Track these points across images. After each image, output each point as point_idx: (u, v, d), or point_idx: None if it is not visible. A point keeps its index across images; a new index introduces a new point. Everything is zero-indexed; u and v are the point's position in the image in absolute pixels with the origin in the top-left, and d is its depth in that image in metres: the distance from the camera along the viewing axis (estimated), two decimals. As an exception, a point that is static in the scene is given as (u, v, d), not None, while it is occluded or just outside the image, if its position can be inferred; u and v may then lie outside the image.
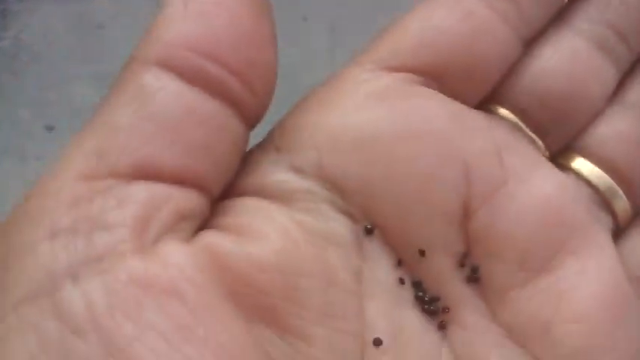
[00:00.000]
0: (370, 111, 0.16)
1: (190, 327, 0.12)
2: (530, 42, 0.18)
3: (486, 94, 0.18)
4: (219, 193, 0.15)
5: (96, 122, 0.14)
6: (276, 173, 0.15)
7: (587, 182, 0.18)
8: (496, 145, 0.16)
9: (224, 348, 0.12)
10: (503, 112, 0.18)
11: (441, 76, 0.17)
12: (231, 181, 0.15)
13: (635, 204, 0.19)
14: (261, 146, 0.16)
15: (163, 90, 0.13)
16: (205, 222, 0.15)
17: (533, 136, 0.18)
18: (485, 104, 0.18)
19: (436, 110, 0.16)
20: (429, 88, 0.16)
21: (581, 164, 0.18)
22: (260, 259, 0.14)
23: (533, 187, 0.17)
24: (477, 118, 0.17)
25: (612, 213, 0.18)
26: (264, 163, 0.16)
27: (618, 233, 0.19)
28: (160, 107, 0.13)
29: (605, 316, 0.16)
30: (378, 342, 0.15)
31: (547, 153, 0.18)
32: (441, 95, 0.17)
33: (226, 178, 0.15)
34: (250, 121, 0.15)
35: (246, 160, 0.16)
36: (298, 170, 0.15)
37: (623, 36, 0.18)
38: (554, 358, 0.16)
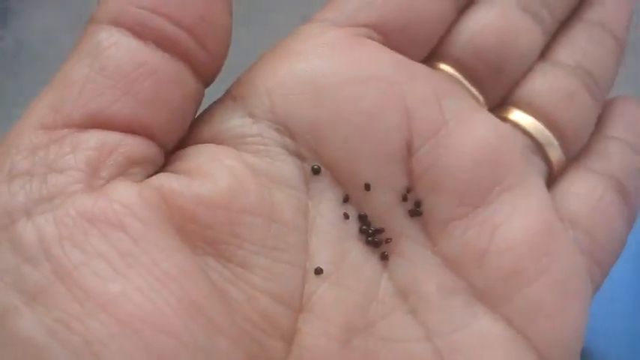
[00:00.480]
0: (318, 58, 0.17)
1: (134, 255, 0.13)
2: (464, 7, 0.20)
3: (427, 50, 0.19)
4: (174, 142, 0.16)
5: (56, 77, 0.15)
6: (230, 120, 0.16)
7: (524, 131, 0.19)
8: (436, 91, 0.18)
9: (166, 273, 0.13)
10: (444, 67, 0.19)
11: (384, 32, 0.18)
12: (190, 131, 0.16)
13: (568, 153, 0.20)
14: (219, 99, 0.17)
15: (115, 45, 0.14)
16: (159, 169, 0.16)
17: (472, 88, 0.19)
18: (427, 61, 0.19)
19: (380, 57, 0.17)
20: (374, 40, 0.18)
21: (518, 116, 0.20)
22: (206, 197, 0.15)
23: (472, 129, 0.18)
24: (418, 67, 0.18)
25: (547, 160, 0.20)
26: (221, 111, 0.17)
27: (553, 179, 0.20)
28: (112, 61, 0.14)
29: (534, 245, 0.17)
30: (318, 271, 0.16)
31: (486, 107, 0.20)
32: (384, 47, 0.18)
33: (179, 128, 0.16)
34: (203, 76, 0.16)
35: (206, 111, 0.17)
36: (251, 115, 0.16)
37: (545, 2, 0.20)
38: (487, 283, 0.17)
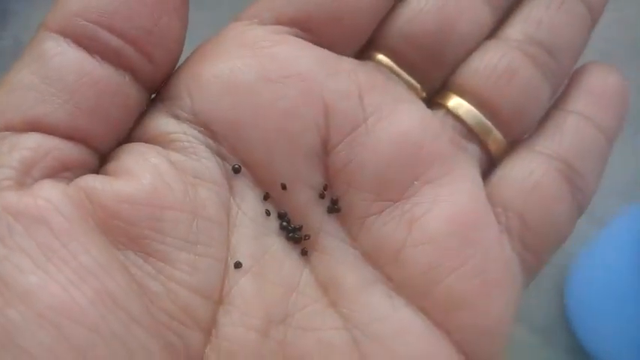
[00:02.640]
0: (237, 59, 0.17)
1: (54, 249, 0.14)
2: None
3: (361, 42, 0.19)
4: (111, 148, 0.17)
5: (3, 80, 0.15)
6: (156, 120, 0.17)
7: (457, 118, 0.19)
8: (359, 86, 0.18)
9: (84, 267, 0.14)
10: (379, 57, 0.19)
11: (310, 28, 0.18)
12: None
13: (510, 135, 0.19)
14: (151, 100, 0.18)
15: (61, 55, 0.15)
16: (92, 172, 0.16)
17: (408, 77, 0.19)
18: (364, 52, 0.19)
19: (299, 55, 0.17)
20: (297, 37, 0.18)
21: (454, 102, 0.19)
22: (128, 195, 0.15)
23: (392, 122, 0.18)
24: (341, 62, 0.18)
25: (484, 146, 0.19)
26: (150, 112, 0.17)
27: (494, 164, 0.19)
28: (56, 70, 0.15)
29: (453, 238, 0.17)
30: (238, 265, 0.17)
31: (424, 94, 0.19)
32: (305, 42, 0.18)
33: (118, 135, 0.16)
34: (148, 86, 0.17)
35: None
36: (175, 116, 0.17)
37: None
38: (404, 278, 0.17)
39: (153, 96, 0.18)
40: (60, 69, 0.15)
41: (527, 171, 0.19)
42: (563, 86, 0.20)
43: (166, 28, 0.16)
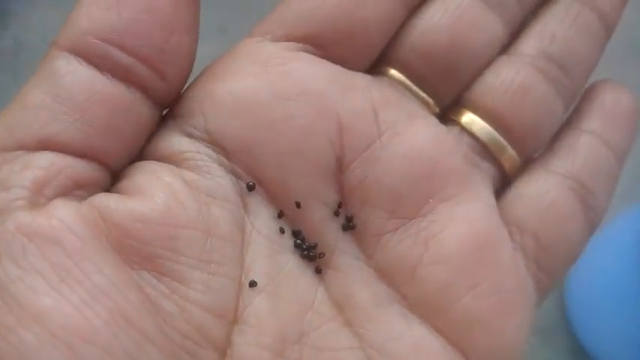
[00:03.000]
0: (250, 77, 0.17)
1: (68, 269, 0.14)
2: (416, 6, 0.19)
3: (373, 57, 0.19)
4: (124, 166, 0.17)
5: (15, 99, 0.15)
6: (169, 138, 0.17)
7: (471, 135, 0.19)
8: (373, 102, 0.17)
9: (98, 287, 0.14)
10: (392, 72, 0.19)
11: (322, 44, 0.17)
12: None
13: (524, 153, 0.19)
14: (164, 116, 0.18)
15: (72, 73, 0.15)
16: (105, 190, 0.16)
17: (421, 92, 0.19)
18: (376, 66, 0.19)
19: (312, 72, 0.17)
20: (310, 53, 0.18)
21: (468, 119, 0.19)
22: (141, 214, 0.15)
23: (407, 139, 0.18)
24: (355, 78, 0.18)
25: (498, 163, 0.19)
26: (162, 130, 0.17)
27: (508, 182, 0.19)
28: (67, 89, 0.15)
29: (469, 257, 0.17)
30: (253, 284, 0.17)
31: (437, 109, 0.19)
32: (318, 59, 0.17)
33: (130, 153, 0.16)
34: (161, 102, 0.17)
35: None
36: (189, 135, 0.17)
37: None
38: (419, 296, 0.17)
39: (165, 112, 0.18)
40: (71, 87, 0.15)
41: (542, 190, 0.19)
42: (575, 102, 0.20)
43: (177, 45, 0.16)
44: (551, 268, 0.19)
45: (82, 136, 0.15)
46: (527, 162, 0.19)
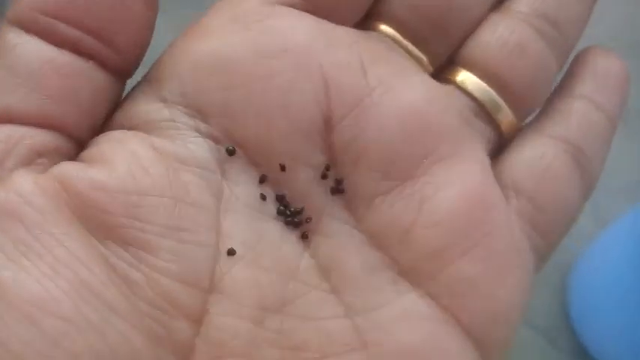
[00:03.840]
0: (229, 35, 0.16)
1: (27, 244, 0.14)
2: None
3: (362, 11, 0.18)
4: (88, 132, 0.16)
5: None
6: (143, 104, 0.16)
7: (467, 93, 0.18)
8: (361, 58, 0.17)
9: (59, 260, 0.14)
10: (382, 27, 0.18)
11: None
12: (108, 117, 0.17)
13: (520, 114, 0.19)
14: (138, 82, 0.17)
15: (21, 45, 0.15)
16: (70, 158, 0.16)
17: (414, 49, 0.18)
18: (365, 22, 0.18)
19: (296, 26, 0.16)
20: (292, 7, 0.17)
21: (464, 76, 0.18)
22: (102, 182, 0.15)
23: (399, 95, 0.17)
24: (342, 33, 0.17)
25: (495, 124, 0.18)
26: (136, 95, 0.17)
27: (504, 144, 0.19)
28: (18, 60, 0.15)
29: (463, 220, 0.17)
30: (231, 252, 0.16)
31: (430, 67, 0.18)
32: (301, 13, 0.17)
33: (91, 120, 0.16)
34: (118, 72, 0.16)
35: (125, 96, 0.17)
36: (163, 100, 0.16)
37: None
38: (411, 260, 0.16)
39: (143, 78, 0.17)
40: (22, 58, 0.15)
41: (539, 153, 0.18)
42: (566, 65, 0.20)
43: (130, 15, 0.15)
44: (547, 232, 0.18)
45: (37, 105, 0.15)
46: (522, 126, 0.19)
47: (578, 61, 0.20)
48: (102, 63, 0.16)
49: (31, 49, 0.15)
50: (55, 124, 0.15)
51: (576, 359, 0.48)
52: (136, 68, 0.17)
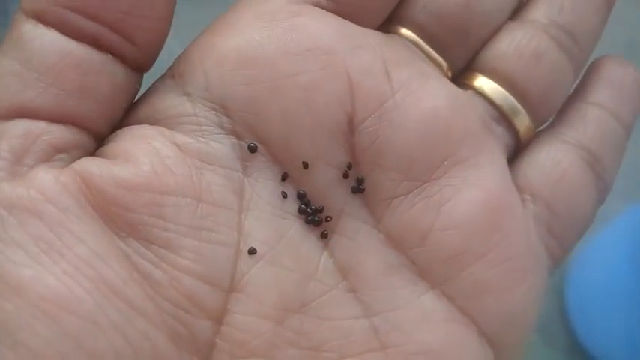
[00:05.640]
0: (254, 31, 0.16)
1: (49, 241, 0.14)
2: None
3: (385, 15, 0.18)
4: (107, 127, 0.16)
5: None
6: (166, 99, 0.16)
7: (486, 98, 0.18)
8: (385, 60, 0.17)
9: (80, 257, 0.14)
10: (403, 31, 0.18)
11: None
12: (130, 111, 0.16)
13: (537, 120, 0.19)
14: (161, 76, 0.17)
15: (39, 38, 0.15)
16: (89, 154, 0.16)
17: (434, 54, 0.18)
18: (386, 26, 0.18)
19: (321, 27, 0.16)
20: (318, 7, 0.17)
21: (482, 82, 0.18)
22: (125, 180, 0.15)
23: (421, 99, 0.17)
24: (366, 35, 0.17)
25: (513, 129, 0.19)
26: (159, 90, 0.16)
27: (521, 149, 0.19)
28: (36, 54, 0.14)
29: (482, 223, 0.17)
30: (252, 251, 0.16)
31: (449, 73, 0.19)
32: (327, 13, 0.17)
33: (111, 115, 0.16)
34: (135, 66, 0.16)
35: (147, 90, 0.17)
36: (187, 94, 0.16)
37: None
38: (429, 263, 0.17)
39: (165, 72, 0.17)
40: (40, 52, 0.14)
41: (555, 159, 0.18)
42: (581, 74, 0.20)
43: (147, 8, 0.15)
44: (563, 237, 0.18)
45: (55, 100, 0.15)
46: (539, 131, 0.19)
47: (594, 69, 0.20)
48: (121, 57, 0.15)
49: (48, 42, 0.15)
50: (74, 119, 0.15)
51: (573, 358, 0.48)
52: (154, 62, 0.16)
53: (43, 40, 0.15)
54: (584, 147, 0.19)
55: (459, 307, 0.17)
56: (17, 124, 0.14)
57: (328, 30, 0.16)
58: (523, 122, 0.19)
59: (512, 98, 0.18)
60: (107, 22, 0.15)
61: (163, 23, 0.16)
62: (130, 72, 0.16)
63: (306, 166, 0.16)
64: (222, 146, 0.16)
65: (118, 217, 0.14)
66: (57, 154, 0.15)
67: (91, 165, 0.15)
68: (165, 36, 0.16)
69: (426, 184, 0.17)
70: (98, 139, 0.16)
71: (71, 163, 0.15)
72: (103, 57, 0.15)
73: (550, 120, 0.20)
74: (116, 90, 0.16)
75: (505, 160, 0.18)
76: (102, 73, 0.15)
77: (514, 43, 0.18)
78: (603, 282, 0.45)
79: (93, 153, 0.16)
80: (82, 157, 0.15)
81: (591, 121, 0.19)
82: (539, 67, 0.18)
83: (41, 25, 0.15)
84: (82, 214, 0.14)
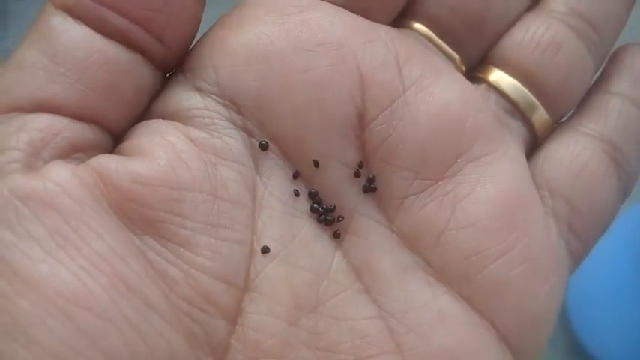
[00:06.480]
0: (266, 26, 0.16)
1: (65, 235, 0.13)
2: None
3: (397, 9, 0.18)
4: (125, 128, 0.16)
5: (11, 58, 0.15)
6: (178, 94, 0.16)
7: (501, 93, 0.18)
8: (397, 55, 0.16)
9: (97, 253, 0.13)
10: (416, 25, 0.18)
11: None
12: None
13: (555, 113, 0.18)
14: (173, 72, 0.17)
15: (68, 32, 0.14)
16: (106, 152, 0.15)
17: (447, 48, 0.18)
18: (399, 20, 0.18)
19: (333, 21, 0.16)
20: (329, 2, 0.17)
21: (497, 76, 0.18)
22: (142, 176, 0.14)
23: (433, 95, 0.16)
24: (377, 29, 0.17)
25: (529, 123, 0.18)
26: (171, 86, 0.16)
27: (539, 143, 0.18)
28: (64, 48, 0.14)
29: (499, 221, 0.16)
30: (265, 249, 0.16)
31: (463, 67, 0.18)
32: (339, 8, 0.16)
33: (132, 115, 0.16)
34: (161, 66, 0.16)
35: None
36: (198, 89, 0.16)
37: None
38: (445, 262, 0.16)
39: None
40: (68, 47, 0.14)
41: (574, 153, 0.18)
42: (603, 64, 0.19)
43: (179, 7, 0.15)
44: (583, 233, 0.18)
45: (80, 97, 0.14)
46: (557, 124, 0.19)
47: (616, 58, 0.19)
48: (149, 56, 0.15)
49: (77, 37, 0.14)
50: (96, 118, 0.15)
51: (573, 358, 0.48)
52: (179, 63, 0.16)
53: (72, 35, 0.14)
54: (605, 138, 0.18)
55: (477, 309, 0.16)
56: (39, 117, 0.14)
57: (340, 24, 0.16)
58: (540, 116, 0.18)
59: (528, 93, 0.18)
60: (137, 19, 0.15)
61: (192, 24, 0.16)
62: (156, 72, 0.16)
63: (316, 164, 0.16)
64: (235, 142, 0.16)
65: (134, 214, 0.14)
66: (75, 153, 0.15)
67: (107, 161, 0.14)
68: (193, 37, 0.16)
69: (440, 183, 0.16)
70: (115, 139, 0.16)
71: (86, 161, 0.15)
72: (131, 56, 0.15)
73: (570, 113, 0.19)
74: (140, 91, 0.15)
75: (523, 155, 0.18)
76: (129, 72, 0.15)
77: (530, 33, 0.18)
78: (604, 282, 0.45)
79: (109, 151, 0.15)
80: (98, 154, 0.15)
81: (612, 112, 0.18)
82: (557, 58, 0.18)
83: (70, 19, 0.14)
84: (99, 209, 0.14)
